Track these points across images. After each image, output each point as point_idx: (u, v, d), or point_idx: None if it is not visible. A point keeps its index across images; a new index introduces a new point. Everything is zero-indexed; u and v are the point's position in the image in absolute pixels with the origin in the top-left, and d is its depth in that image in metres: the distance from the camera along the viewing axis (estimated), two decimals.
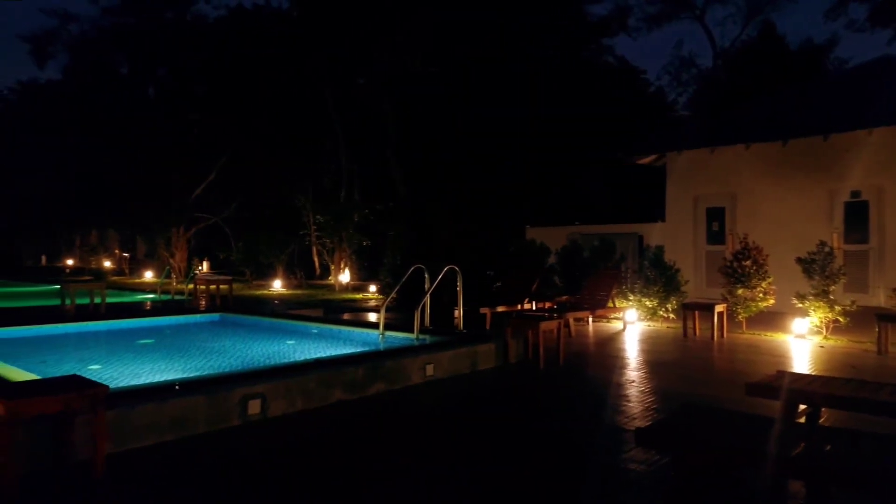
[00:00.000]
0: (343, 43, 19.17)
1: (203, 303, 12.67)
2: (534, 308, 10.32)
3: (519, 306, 10.13)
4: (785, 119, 13.28)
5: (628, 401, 5.61)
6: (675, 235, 14.30)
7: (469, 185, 17.48)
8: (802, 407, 3.80)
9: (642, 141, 16.77)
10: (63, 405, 3.55)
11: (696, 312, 9.55)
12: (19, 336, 8.18)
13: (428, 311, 8.14)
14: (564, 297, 10.87)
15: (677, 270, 10.96)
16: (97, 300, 10.61)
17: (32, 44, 25.51)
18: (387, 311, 13.57)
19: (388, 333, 7.95)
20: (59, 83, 29.55)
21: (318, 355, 7.47)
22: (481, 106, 17.38)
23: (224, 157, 25.95)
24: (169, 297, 14.11)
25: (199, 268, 26.42)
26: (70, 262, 36.05)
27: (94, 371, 6.44)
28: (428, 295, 7.80)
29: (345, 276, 22.76)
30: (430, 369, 6.33)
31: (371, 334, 8.32)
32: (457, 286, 8.07)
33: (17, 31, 26.89)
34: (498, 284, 13.02)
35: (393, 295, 8.65)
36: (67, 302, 10.36)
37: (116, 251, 34.07)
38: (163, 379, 6.04)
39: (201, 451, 4.24)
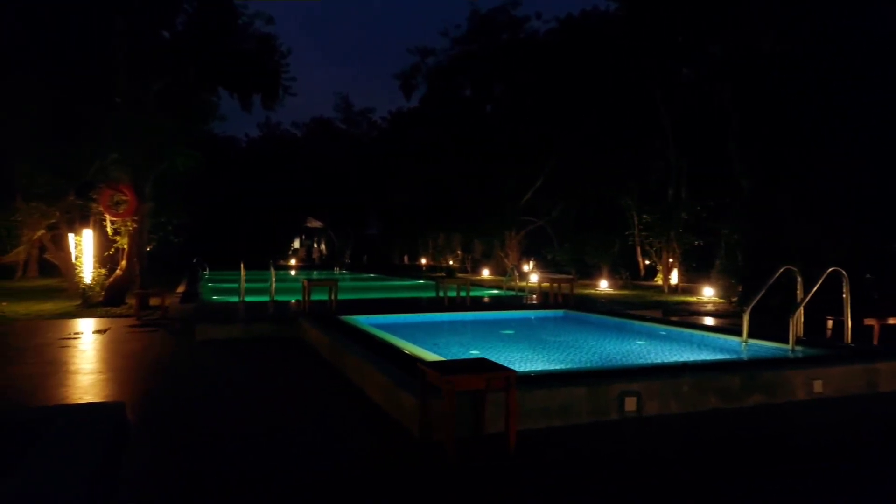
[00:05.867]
0: (676, 31, 18.30)
1: (540, 299, 13.51)
2: None
3: None
4: None
5: None
6: None
7: (831, 173, 14.89)
8: None
9: None
10: (486, 383, 4.17)
11: None
12: (414, 321, 9.97)
13: (801, 319, 7.20)
14: None
15: None
16: (462, 293, 12.25)
17: (401, 79, 30.86)
18: (726, 316, 12.59)
19: (752, 341, 7.29)
20: (416, 110, 35.13)
21: (675, 358, 7.29)
22: (849, 77, 14.64)
23: (550, 162, 27.37)
24: (513, 293, 15.48)
25: (527, 267, 28.41)
26: (423, 260, 42.56)
27: (476, 356, 7.42)
28: (804, 302, 6.89)
29: (672, 277, 21.80)
30: (817, 385, 5.59)
31: (730, 340, 7.75)
32: (842, 293, 6.96)
33: (391, 72, 32.79)
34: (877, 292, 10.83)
35: (756, 299, 7.84)
36: (441, 294, 12.22)
37: (459, 251, 38.90)
38: (534, 368, 6.64)
39: (585, 440, 4.50)
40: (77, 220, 16.47)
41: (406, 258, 46.21)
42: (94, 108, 13.97)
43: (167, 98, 14.81)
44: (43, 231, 18.66)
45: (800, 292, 7.16)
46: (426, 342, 7.95)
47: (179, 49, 15.02)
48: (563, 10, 25.84)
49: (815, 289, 6.77)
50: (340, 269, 33.30)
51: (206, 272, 23.31)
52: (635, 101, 23.45)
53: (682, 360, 7.10)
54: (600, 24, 24.06)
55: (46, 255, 21.15)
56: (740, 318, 7.44)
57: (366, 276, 28.58)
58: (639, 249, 24.49)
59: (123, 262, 14.13)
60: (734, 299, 15.34)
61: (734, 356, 7.08)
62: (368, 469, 3.92)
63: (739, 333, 7.46)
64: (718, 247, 20.15)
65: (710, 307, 14.86)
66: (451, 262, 38.18)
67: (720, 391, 5.30)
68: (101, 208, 14.30)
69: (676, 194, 22.93)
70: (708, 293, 17.66)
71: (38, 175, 16.32)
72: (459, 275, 26.07)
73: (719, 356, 7.20)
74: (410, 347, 7.07)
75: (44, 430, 4.64)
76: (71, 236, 16.71)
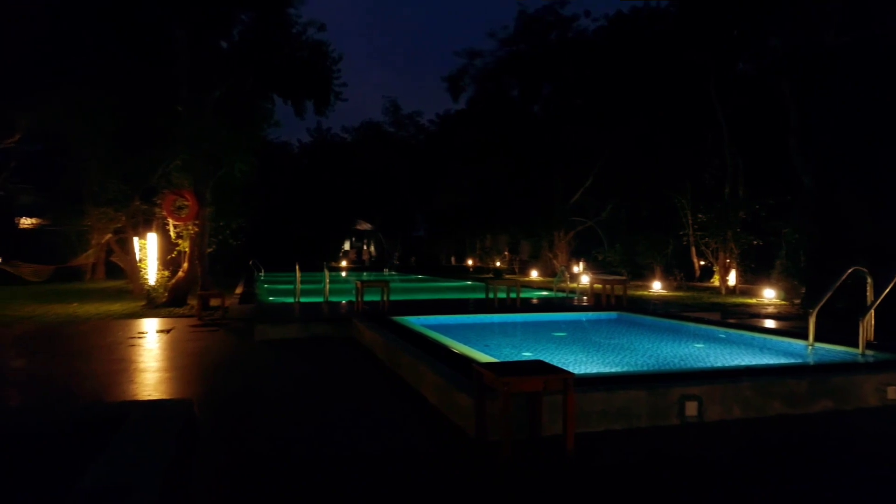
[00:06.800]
0: (731, 24, 17.77)
1: (591, 301, 13.32)
2: None
3: None
4: None
5: None
6: None
7: None
8: None
9: None
10: (543, 385, 4.16)
11: None
12: (465, 322, 10.01)
13: (872, 322, 6.87)
14: None
15: None
16: (512, 295, 12.22)
17: (449, 82, 31.05)
18: (788, 319, 12.09)
19: (819, 345, 7.00)
20: (464, 112, 35.21)
21: (736, 362, 7.08)
22: None
23: (600, 162, 26.97)
24: (564, 294, 15.33)
25: (576, 268, 28.05)
26: (470, 262, 42.61)
27: (528, 357, 7.38)
28: (875, 304, 6.58)
29: (730, 279, 21.11)
30: (892, 392, 5.34)
31: (794, 344, 7.47)
32: None
33: (441, 75, 33.07)
34: None
35: (823, 301, 7.53)
36: (491, 295, 12.22)
37: (506, 253, 38.77)
38: (589, 371, 6.57)
39: (645, 445, 4.42)
40: (141, 225, 17.26)
41: (453, 259, 46.38)
42: (159, 118, 14.63)
43: (225, 106, 15.37)
44: (110, 235, 19.61)
45: (870, 294, 6.84)
46: (478, 343, 7.98)
47: (237, 59, 15.57)
48: (613, 7, 25.45)
49: (888, 290, 6.45)
50: (389, 271, 33.70)
51: (262, 274, 23.99)
52: (688, 98, 22.87)
53: (743, 364, 6.89)
54: (651, 20, 23.57)
55: (113, 258, 22.21)
56: (804, 320, 7.17)
57: (414, 277, 28.82)
58: (693, 250, 23.83)
59: (185, 265, 14.71)
60: (797, 301, 14.75)
61: (800, 360, 6.82)
62: (424, 467, 3.97)
63: (804, 337, 7.19)
64: (779, 247, 19.41)
65: (771, 310, 14.33)
66: (497, 264, 38.08)
67: (786, 396, 5.12)
68: (164, 213, 14.92)
69: (733, 192, 22.22)
70: (768, 295, 17.04)
71: (106, 182, 17.17)
72: (507, 276, 25.96)
73: (784, 360, 6.96)
74: (463, 348, 7.11)
75: (119, 424, 4.89)
76: (135, 240, 17.50)
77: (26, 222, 31.41)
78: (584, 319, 10.98)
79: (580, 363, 7.16)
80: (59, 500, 3.41)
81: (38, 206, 25.04)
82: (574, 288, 15.79)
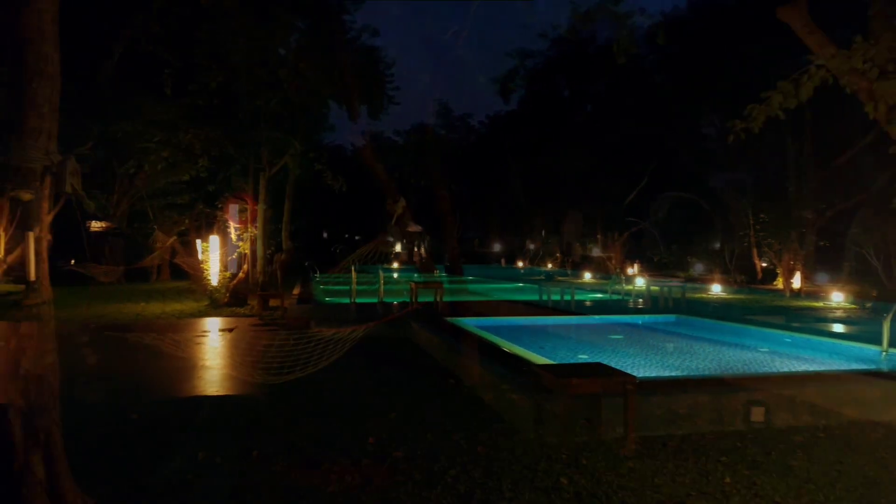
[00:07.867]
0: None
1: (648, 303, 13.05)
2: None
3: None
4: None
5: None
6: None
7: None
8: None
9: None
10: (602, 387, 4.12)
11: None
12: (520, 324, 9.98)
13: None
14: None
15: None
16: (567, 297, 12.10)
17: (500, 84, 30.93)
18: (859, 324, 11.48)
19: (894, 350, 6.66)
20: (514, 112, 35.08)
21: (803, 367, 6.82)
22: None
23: (655, 161, 26.36)
24: (619, 296, 15.06)
25: (631, 270, 27.48)
26: (520, 263, 42.32)
27: (584, 360, 7.31)
28: None
29: (794, 281, 20.24)
30: None
31: (866, 349, 7.13)
32: None
33: (490, 77, 33.07)
34: None
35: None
36: (545, 297, 12.14)
37: (558, 254, 38.30)
38: (648, 374, 6.45)
39: (708, 449, 4.31)
40: (204, 228, 17.96)
41: (503, 261, 46.14)
42: (218, 126, 15.19)
43: (282, 111, 15.80)
44: (175, 237, 20.50)
45: None
46: (532, 345, 7.94)
47: (293, 65, 15.97)
48: (669, 4, 24.83)
49: None
50: (440, 272, 33.83)
51: (317, 275, 24.51)
52: (749, 94, 22.08)
53: (812, 369, 6.63)
54: (710, 14, 22.87)
55: (177, 260, 23.20)
56: (877, 325, 6.83)
57: (464, 278, 28.83)
58: (755, 251, 22.98)
59: (246, 266, 15.21)
60: (868, 305, 14.04)
61: (873, 366, 6.50)
62: (481, 468, 3.99)
63: (878, 342, 6.85)
64: (848, 248, 18.53)
65: (839, 313, 13.66)
66: (549, 265, 37.68)
67: (856, 402, 4.90)
68: (225, 216, 15.48)
69: (798, 191, 21.32)
70: (836, 298, 16.24)
71: (171, 187, 17.98)
72: (560, 278, 25.66)
73: (855, 366, 6.65)
74: (519, 350, 7.10)
75: (191, 418, 5.13)
76: (198, 242, 18.24)
77: (96, 226, 33.06)
78: (640, 322, 10.76)
79: (638, 366, 7.04)
80: (139, 489, 3.62)
81: (107, 210, 26.37)
82: (630, 290, 15.48)
